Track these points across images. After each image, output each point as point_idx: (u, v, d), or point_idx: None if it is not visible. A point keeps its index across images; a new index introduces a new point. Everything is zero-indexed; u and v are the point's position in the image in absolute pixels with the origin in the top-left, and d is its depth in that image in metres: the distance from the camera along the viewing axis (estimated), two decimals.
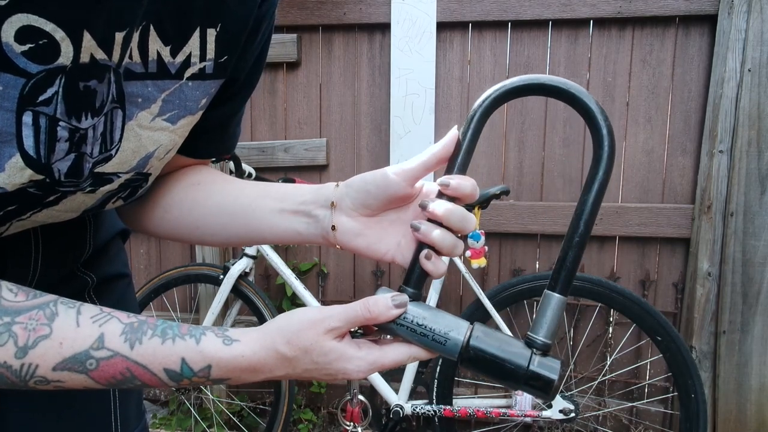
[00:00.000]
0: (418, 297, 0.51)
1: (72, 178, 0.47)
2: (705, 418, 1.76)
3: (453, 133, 0.51)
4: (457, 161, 0.50)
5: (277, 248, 2.16)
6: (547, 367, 0.47)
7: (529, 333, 0.49)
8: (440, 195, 0.51)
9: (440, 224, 0.50)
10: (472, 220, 0.50)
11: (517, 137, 2.12)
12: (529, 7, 2.01)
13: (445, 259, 0.52)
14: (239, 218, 0.59)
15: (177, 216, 0.62)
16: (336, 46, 2.21)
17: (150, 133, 0.51)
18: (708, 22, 1.94)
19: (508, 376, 0.47)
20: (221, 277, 1.98)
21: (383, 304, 0.49)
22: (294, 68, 2.24)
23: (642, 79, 2.02)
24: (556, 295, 0.48)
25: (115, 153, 0.49)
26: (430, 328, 0.48)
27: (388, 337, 0.51)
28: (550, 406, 1.87)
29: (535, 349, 0.48)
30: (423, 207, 0.51)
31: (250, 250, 1.98)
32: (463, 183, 0.49)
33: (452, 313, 0.50)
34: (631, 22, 2.00)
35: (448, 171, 0.51)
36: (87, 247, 0.64)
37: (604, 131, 0.47)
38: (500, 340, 0.48)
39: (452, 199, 0.51)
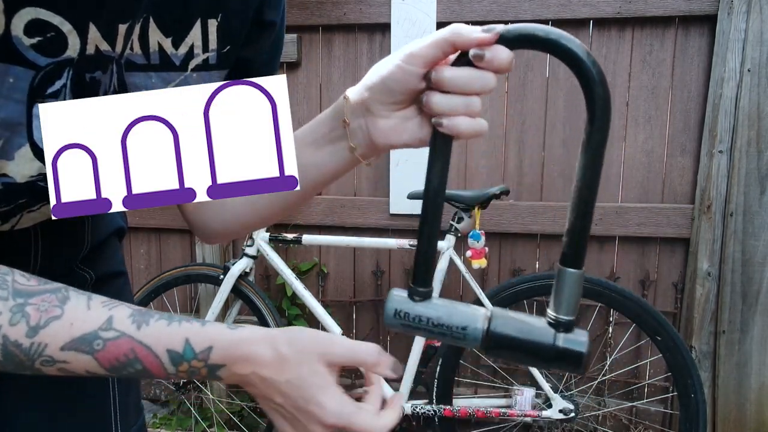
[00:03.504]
0: (429, 294, 0.50)
1: None
2: (705, 418, 1.76)
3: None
4: None
5: (277, 248, 2.16)
6: (574, 342, 0.46)
7: (549, 311, 0.47)
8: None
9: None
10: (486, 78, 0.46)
11: (517, 137, 2.12)
12: (528, 8, 2.02)
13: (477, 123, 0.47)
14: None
15: (236, 202, 0.62)
16: (336, 46, 2.21)
17: None
18: (708, 22, 1.94)
19: (536, 357, 0.47)
20: (221, 277, 1.99)
21: (381, 362, 0.49)
22: (294, 68, 2.24)
23: (642, 79, 2.03)
24: (570, 270, 0.46)
25: None
26: (447, 326, 0.48)
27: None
28: (550, 406, 1.88)
29: (559, 327, 0.47)
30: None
31: (251, 250, 1.98)
32: (498, 53, 0.44)
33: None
34: (630, 22, 2.00)
35: None
36: (85, 243, 0.64)
37: (594, 76, 0.42)
38: (521, 323, 0.47)
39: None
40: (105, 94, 0.47)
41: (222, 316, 2.12)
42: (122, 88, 0.48)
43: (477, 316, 0.48)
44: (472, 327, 0.48)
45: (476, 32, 0.44)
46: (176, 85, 0.52)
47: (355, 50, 2.20)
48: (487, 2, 2.03)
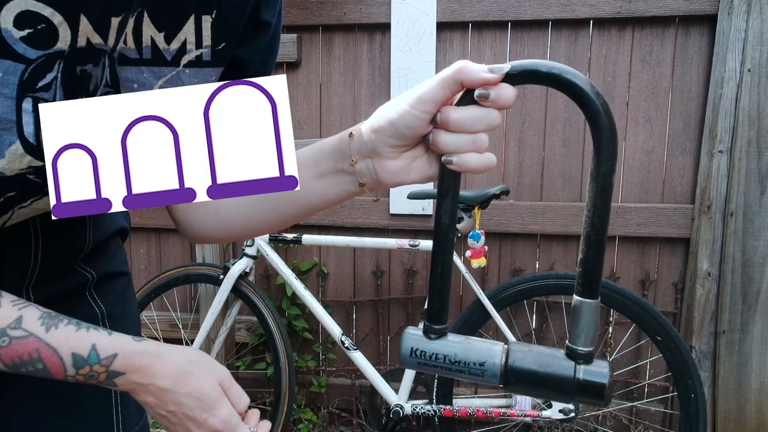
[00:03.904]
0: (445, 331, 0.49)
1: None
2: (705, 417, 1.76)
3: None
4: None
5: (277, 248, 2.16)
6: (595, 374, 0.45)
7: (568, 344, 0.46)
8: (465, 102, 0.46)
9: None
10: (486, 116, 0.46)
11: (517, 137, 2.12)
12: (529, 8, 2.02)
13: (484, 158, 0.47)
14: (286, 197, 0.58)
15: (228, 209, 0.63)
16: (336, 46, 2.21)
17: None
18: (708, 22, 1.94)
19: (557, 390, 0.46)
20: (221, 277, 1.98)
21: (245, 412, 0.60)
22: (294, 68, 2.24)
23: (642, 79, 2.03)
24: (587, 301, 0.45)
25: None
26: (465, 362, 0.47)
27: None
28: (549, 406, 1.87)
29: (578, 359, 0.46)
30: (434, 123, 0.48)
31: (250, 250, 1.98)
32: (503, 92, 0.44)
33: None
34: (631, 22, 2.00)
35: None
36: (86, 242, 0.64)
37: (599, 107, 0.42)
38: (539, 356, 0.46)
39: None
40: (96, 87, 0.46)
41: (222, 316, 2.12)
42: (114, 82, 0.48)
43: (494, 351, 0.47)
44: (490, 362, 0.47)
45: (483, 71, 0.44)
46: (168, 80, 0.51)
47: (355, 50, 2.20)
48: (487, 2, 2.03)
